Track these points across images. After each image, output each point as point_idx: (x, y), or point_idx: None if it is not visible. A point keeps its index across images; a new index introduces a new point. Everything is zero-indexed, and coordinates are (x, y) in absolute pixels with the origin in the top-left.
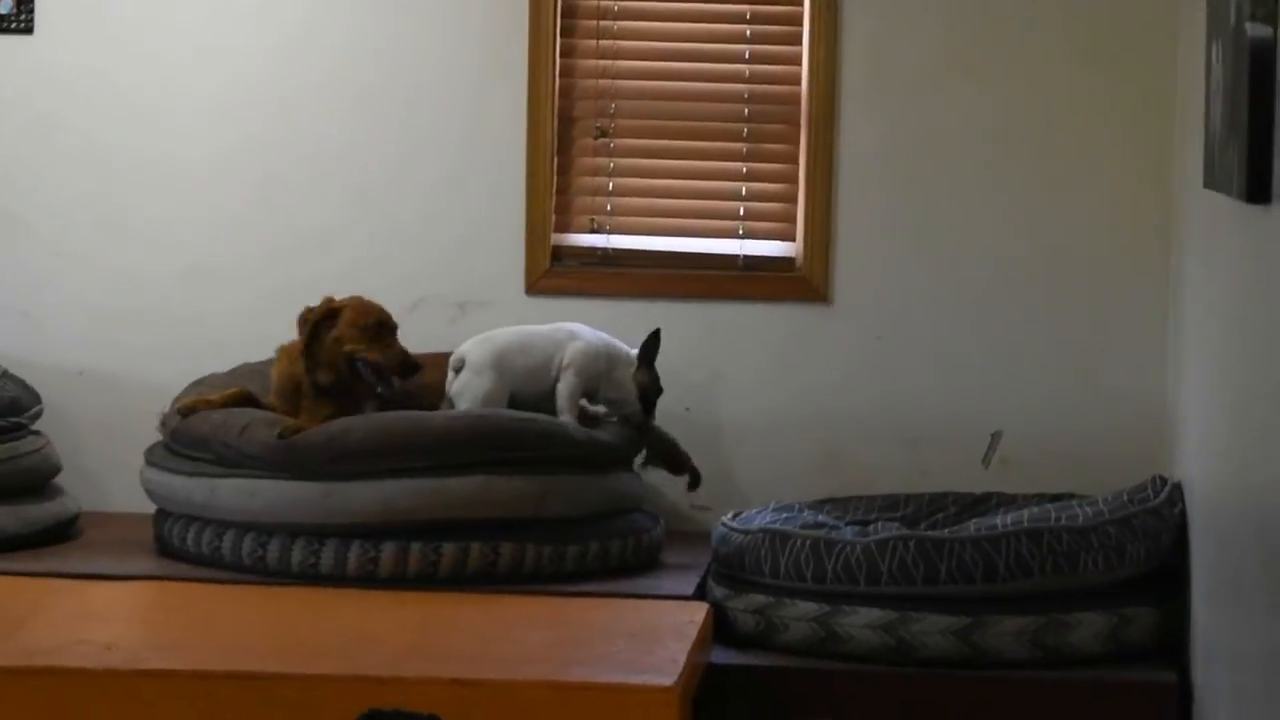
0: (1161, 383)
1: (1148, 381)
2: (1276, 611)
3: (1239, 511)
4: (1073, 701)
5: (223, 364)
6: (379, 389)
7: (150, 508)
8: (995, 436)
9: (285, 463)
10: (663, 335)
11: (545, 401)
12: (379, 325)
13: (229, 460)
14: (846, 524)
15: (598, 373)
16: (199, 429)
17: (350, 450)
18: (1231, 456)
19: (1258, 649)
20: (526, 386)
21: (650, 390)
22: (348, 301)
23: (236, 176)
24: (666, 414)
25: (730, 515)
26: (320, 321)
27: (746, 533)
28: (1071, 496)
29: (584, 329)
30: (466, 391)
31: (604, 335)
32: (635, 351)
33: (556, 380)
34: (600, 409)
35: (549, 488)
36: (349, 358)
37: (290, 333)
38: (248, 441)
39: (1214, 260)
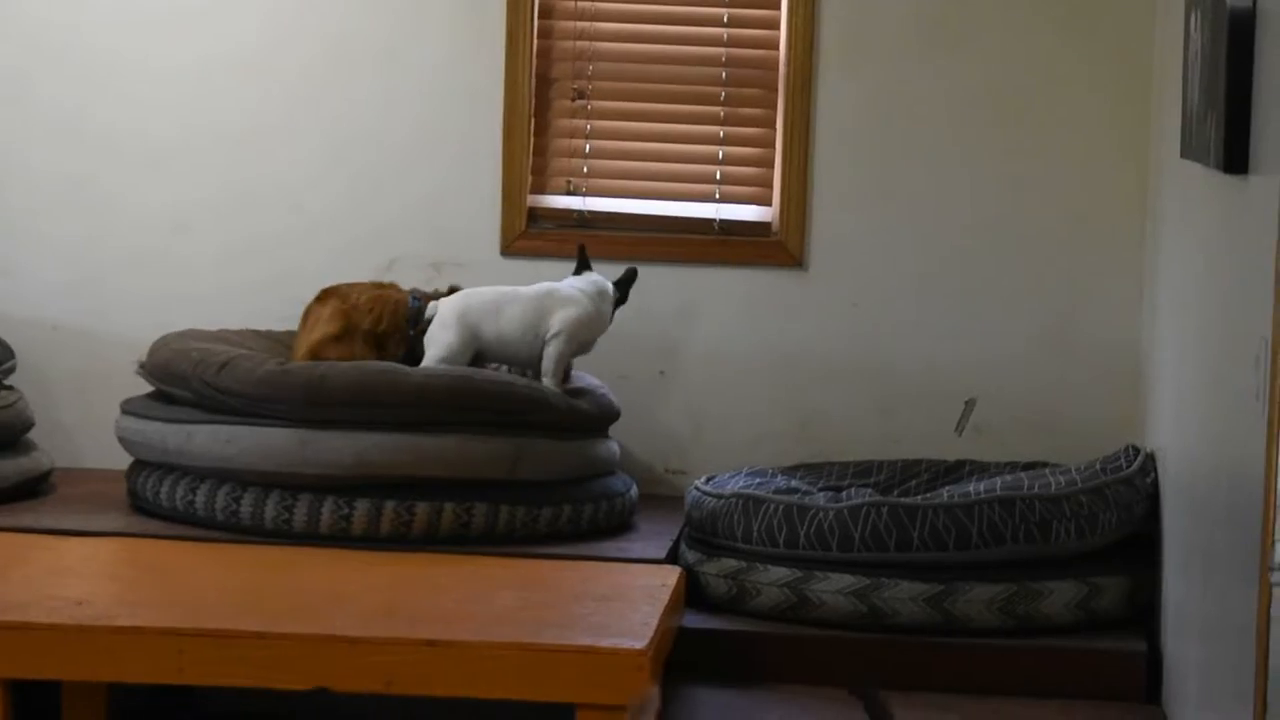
0: (1136, 353)
1: (1122, 351)
2: (1247, 581)
3: (1211, 481)
4: (1043, 669)
5: (197, 319)
6: None
7: (123, 464)
8: (969, 404)
9: (264, 398)
10: (635, 299)
11: (533, 364)
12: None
13: (206, 399)
14: (820, 489)
15: (589, 340)
16: (178, 365)
17: (328, 395)
18: (1204, 426)
19: (1228, 619)
20: (503, 349)
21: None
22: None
23: (211, 133)
24: (641, 377)
25: (703, 479)
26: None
27: (720, 497)
28: (1044, 465)
29: (572, 291)
30: (430, 345)
31: (589, 286)
32: (612, 284)
33: (544, 344)
34: None
35: (524, 450)
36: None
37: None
38: (228, 377)
39: (1190, 230)
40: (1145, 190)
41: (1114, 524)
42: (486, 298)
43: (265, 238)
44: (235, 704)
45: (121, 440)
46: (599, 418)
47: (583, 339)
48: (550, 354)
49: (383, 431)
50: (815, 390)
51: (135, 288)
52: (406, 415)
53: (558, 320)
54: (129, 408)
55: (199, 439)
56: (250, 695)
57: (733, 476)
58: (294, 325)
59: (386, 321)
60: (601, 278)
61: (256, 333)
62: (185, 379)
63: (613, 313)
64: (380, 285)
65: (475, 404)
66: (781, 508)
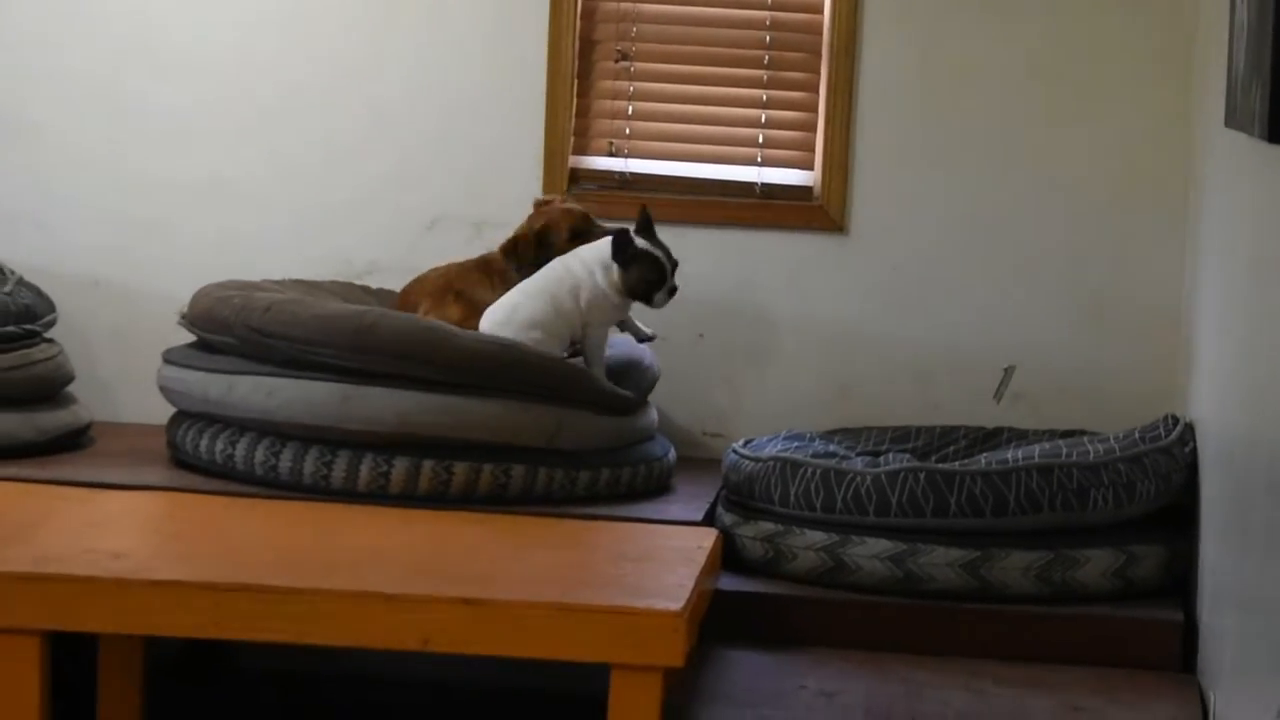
0: (1176, 322)
1: (1163, 320)
2: None
3: (1250, 452)
4: (1079, 637)
5: (237, 275)
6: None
7: (162, 418)
8: (1008, 371)
9: (310, 342)
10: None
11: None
12: (580, 230)
13: (250, 345)
14: (857, 454)
15: (615, 318)
16: (221, 312)
17: (376, 343)
18: (1244, 397)
19: (1265, 589)
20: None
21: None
22: (555, 215)
23: (254, 90)
24: (680, 340)
25: (741, 442)
26: (540, 246)
27: (757, 460)
28: (1083, 433)
29: (579, 269)
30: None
31: (592, 261)
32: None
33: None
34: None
35: (565, 421)
36: None
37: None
38: (273, 320)
39: (1233, 200)
40: (1189, 159)
41: (1152, 493)
42: (503, 306)
43: (304, 196)
44: (271, 660)
45: (163, 389)
46: (640, 399)
47: (611, 319)
48: (593, 344)
49: (426, 391)
50: (855, 355)
51: (174, 243)
52: (451, 376)
53: (585, 306)
54: (171, 357)
55: (240, 390)
56: (286, 651)
57: (770, 440)
58: (337, 275)
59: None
60: (602, 250)
61: (299, 282)
62: (228, 325)
63: (629, 276)
64: (479, 260)
65: (520, 375)
66: (819, 471)
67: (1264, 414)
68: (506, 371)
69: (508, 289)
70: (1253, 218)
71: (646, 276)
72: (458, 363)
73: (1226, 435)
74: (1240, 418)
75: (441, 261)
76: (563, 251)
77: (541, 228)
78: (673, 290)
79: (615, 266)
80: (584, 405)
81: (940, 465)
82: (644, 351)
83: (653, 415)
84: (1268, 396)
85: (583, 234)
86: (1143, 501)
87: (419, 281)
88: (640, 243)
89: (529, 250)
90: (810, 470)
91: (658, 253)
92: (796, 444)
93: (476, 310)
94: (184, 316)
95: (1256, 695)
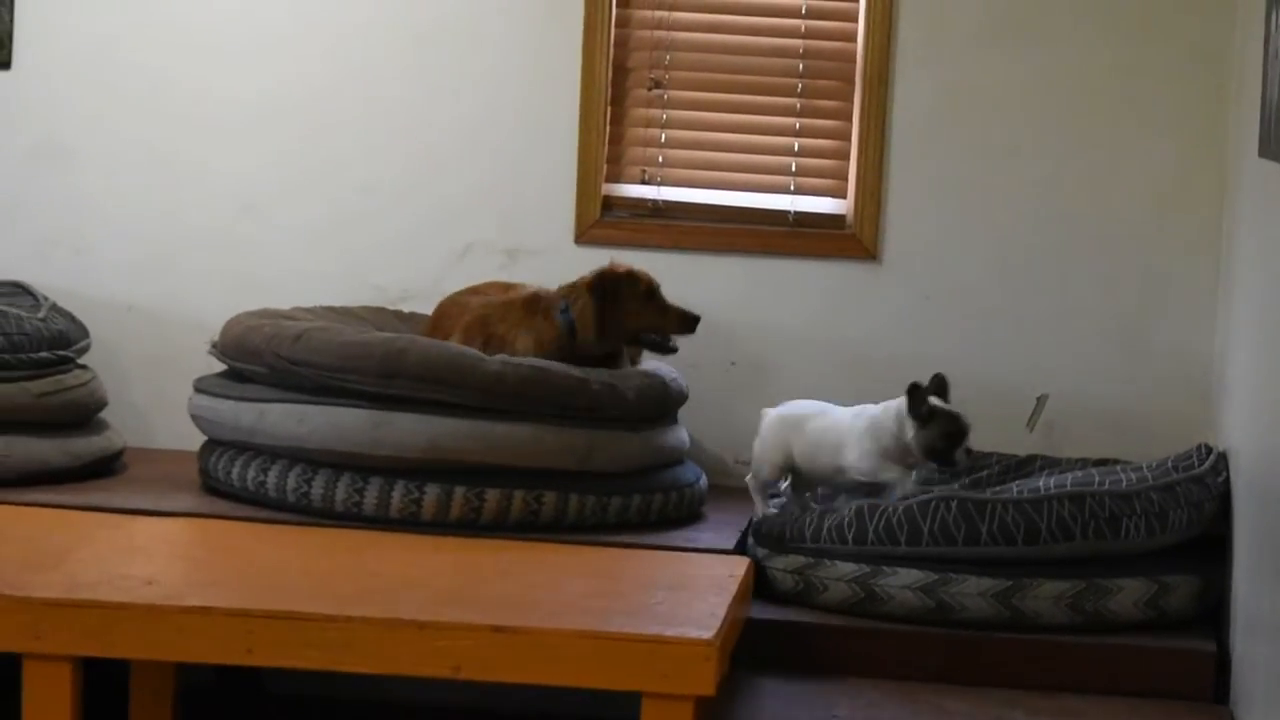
0: (1210, 351)
1: (1196, 349)
2: None
3: None
4: (1110, 666)
5: (269, 300)
6: (666, 348)
7: (195, 446)
8: (1041, 400)
9: (340, 369)
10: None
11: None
12: (649, 290)
13: (280, 373)
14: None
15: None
16: (251, 340)
17: (405, 369)
18: (1278, 427)
19: None
20: (808, 465)
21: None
22: (621, 275)
23: (288, 116)
24: (713, 368)
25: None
26: (602, 295)
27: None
28: (1116, 462)
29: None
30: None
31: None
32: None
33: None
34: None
35: (595, 442)
36: (631, 330)
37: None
38: (303, 348)
39: (1267, 230)
40: (1222, 189)
41: (1184, 522)
42: (799, 411)
43: (339, 222)
44: (303, 686)
45: (194, 418)
46: (671, 402)
47: (876, 473)
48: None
49: (455, 417)
50: (887, 383)
51: (207, 269)
52: (480, 400)
53: (849, 458)
54: (202, 386)
55: (271, 417)
56: (317, 677)
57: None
58: (371, 303)
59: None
60: (897, 409)
61: (330, 309)
62: (259, 353)
63: (919, 443)
64: (521, 300)
65: (549, 396)
66: (853, 507)
67: None
68: (535, 394)
69: (548, 330)
70: None
71: (946, 430)
72: (487, 387)
73: (1260, 465)
74: (1274, 448)
75: None
76: (629, 309)
77: (614, 277)
78: (970, 451)
79: (910, 422)
80: (615, 422)
81: (972, 493)
82: (669, 370)
83: (683, 436)
84: None
85: (653, 297)
86: (1175, 530)
87: (455, 305)
88: (936, 401)
89: (587, 294)
90: (846, 507)
91: (956, 411)
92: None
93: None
94: (214, 345)
95: None
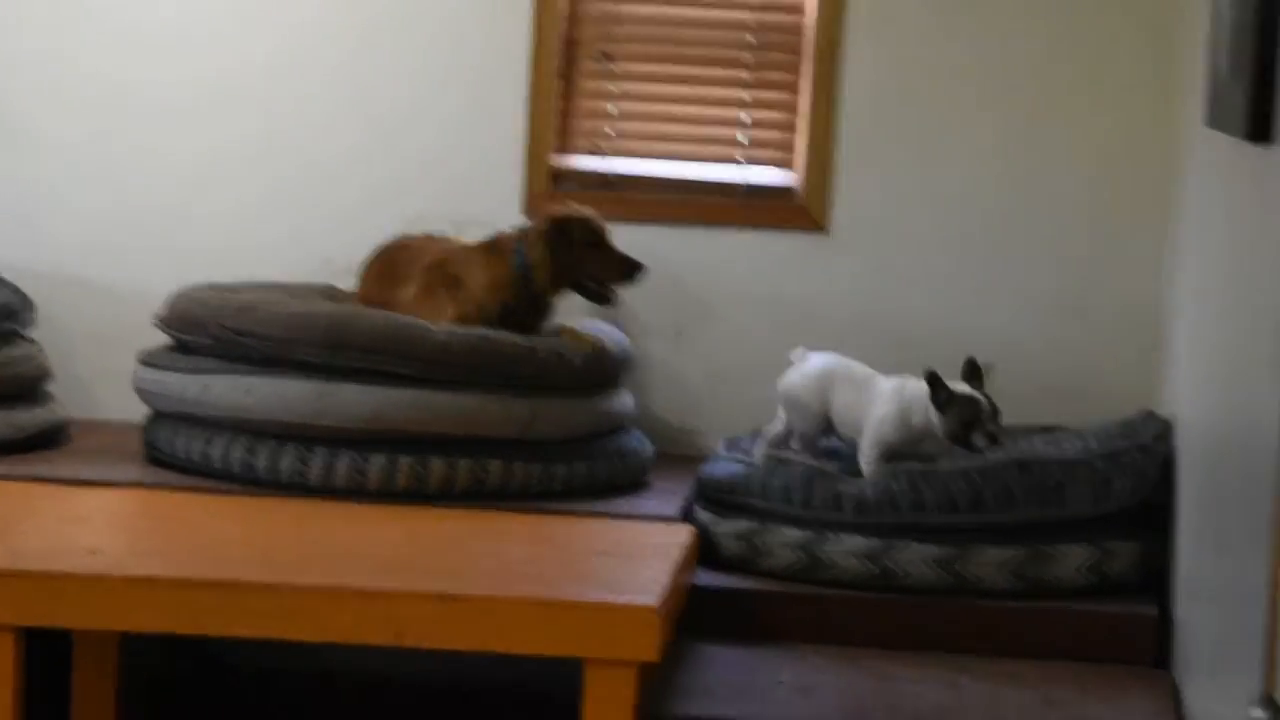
0: (1155, 320)
1: (1141, 318)
2: (1259, 548)
3: (1226, 449)
4: (1054, 632)
5: (216, 274)
6: (604, 298)
7: (140, 416)
8: (987, 368)
9: (285, 340)
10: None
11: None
12: (599, 235)
13: (225, 344)
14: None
15: (897, 441)
16: (196, 313)
17: (350, 340)
18: (1221, 394)
19: (1239, 585)
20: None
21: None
22: (574, 219)
23: (236, 91)
24: (660, 337)
25: (722, 445)
26: (557, 237)
27: (746, 462)
28: (1060, 429)
29: (889, 390)
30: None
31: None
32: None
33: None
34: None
35: (540, 410)
36: (575, 276)
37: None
38: (248, 319)
39: (1213, 199)
40: (1169, 158)
41: (1128, 489)
42: (839, 369)
43: (287, 194)
44: (248, 657)
45: (139, 391)
46: (616, 368)
47: (890, 440)
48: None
49: (400, 387)
50: (834, 353)
51: (153, 244)
52: (425, 370)
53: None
54: (147, 359)
55: (216, 389)
56: (263, 648)
57: (752, 439)
58: (314, 278)
59: (503, 306)
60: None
61: (278, 285)
62: (204, 326)
63: (941, 428)
64: (479, 246)
65: (495, 365)
66: (803, 469)
67: (1240, 411)
68: (480, 362)
69: (504, 272)
70: (1232, 217)
71: (963, 417)
72: (431, 356)
73: (1203, 432)
74: (1217, 415)
75: None
76: (579, 255)
77: (566, 221)
78: (992, 436)
79: (932, 408)
80: (560, 391)
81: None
82: (616, 336)
83: (628, 402)
84: (1244, 393)
85: (602, 243)
86: (1119, 498)
87: (406, 250)
88: (958, 386)
89: (540, 239)
90: (795, 468)
91: (977, 395)
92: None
93: (472, 299)
94: (160, 319)
95: (1230, 690)
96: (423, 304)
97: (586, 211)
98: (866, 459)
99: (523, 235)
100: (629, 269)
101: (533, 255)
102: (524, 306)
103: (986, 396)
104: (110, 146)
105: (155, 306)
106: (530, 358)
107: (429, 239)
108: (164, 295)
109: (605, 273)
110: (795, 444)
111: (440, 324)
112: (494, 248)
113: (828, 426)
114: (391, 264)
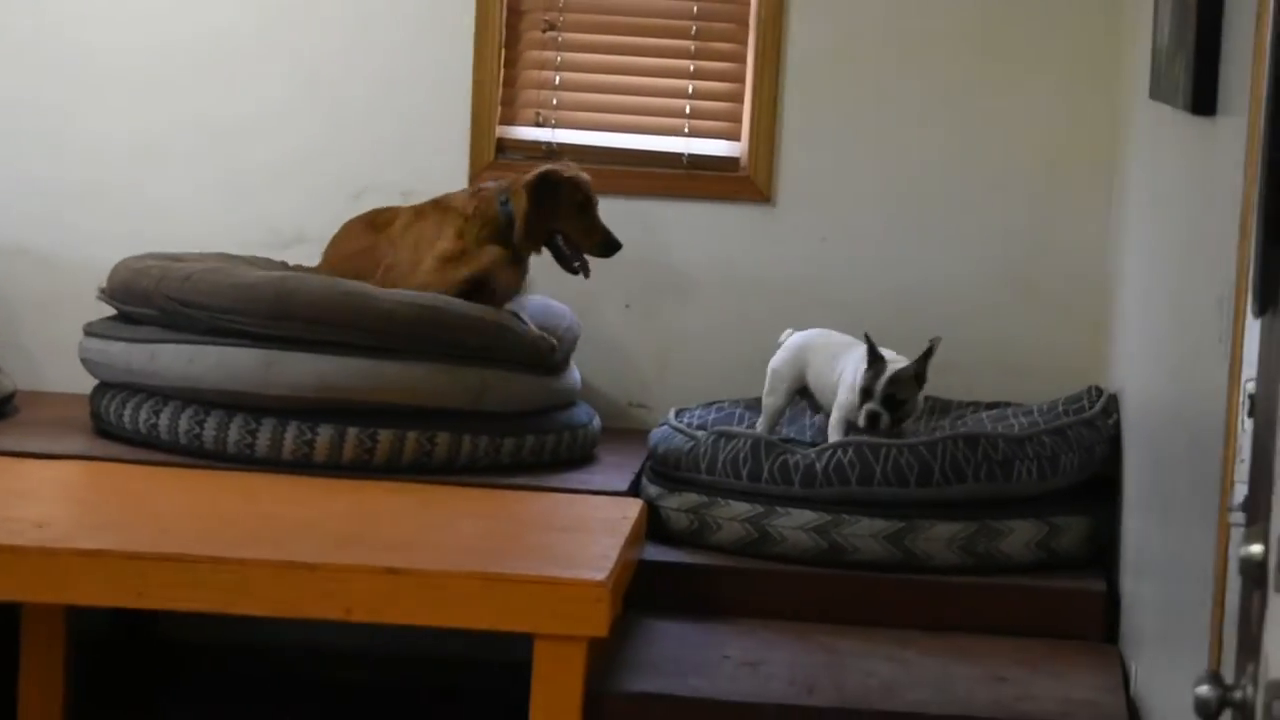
0: (1101, 294)
1: (1087, 292)
2: (1205, 522)
3: (1172, 423)
4: (1002, 607)
5: (164, 245)
6: (575, 267)
7: (86, 388)
8: (933, 343)
9: (229, 310)
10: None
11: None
12: (587, 200)
13: (170, 314)
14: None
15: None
16: (139, 284)
17: (294, 310)
18: (1167, 368)
19: (1185, 560)
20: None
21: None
22: (564, 178)
23: (181, 59)
24: (607, 311)
25: (672, 413)
26: (544, 190)
27: (688, 433)
28: (1007, 404)
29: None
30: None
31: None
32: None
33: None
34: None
35: (489, 382)
36: (551, 233)
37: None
38: (192, 289)
39: (1158, 172)
40: (1114, 131)
41: (1075, 465)
42: (816, 340)
43: (232, 164)
44: (195, 631)
45: (85, 362)
46: (566, 352)
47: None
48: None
49: (348, 355)
50: (781, 325)
51: (98, 214)
52: (372, 339)
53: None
54: (92, 329)
55: (163, 358)
56: (210, 622)
57: (700, 410)
58: (263, 251)
59: (488, 230)
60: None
61: (222, 255)
62: (148, 296)
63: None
64: (469, 190)
65: (442, 334)
66: (749, 442)
67: (1186, 386)
68: (428, 332)
69: (491, 217)
70: (1176, 189)
71: (863, 385)
72: (377, 325)
73: (1149, 407)
74: (1163, 390)
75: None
76: (559, 213)
77: (555, 178)
78: (873, 417)
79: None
80: (509, 363)
81: (866, 436)
82: (564, 312)
83: (576, 377)
84: (1190, 368)
85: (587, 209)
86: (1066, 473)
87: (390, 209)
88: (893, 359)
89: (525, 192)
90: (741, 441)
91: (891, 370)
92: (723, 415)
93: (463, 233)
94: (103, 290)
95: (1177, 664)
96: (412, 228)
97: (580, 173)
98: (833, 425)
99: (509, 185)
100: (607, 243)
101: (516, 205)
102: (506, 249)
103: (913, 377)
104: (57, 118)
105: (100, 277)
106: (479, 327)
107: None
108: (109, 266)
109: (582, 238)
110: (760, 423)
111: (424, 262)
112: (480, 193)
113: (814, 404)
114: (374, 217)
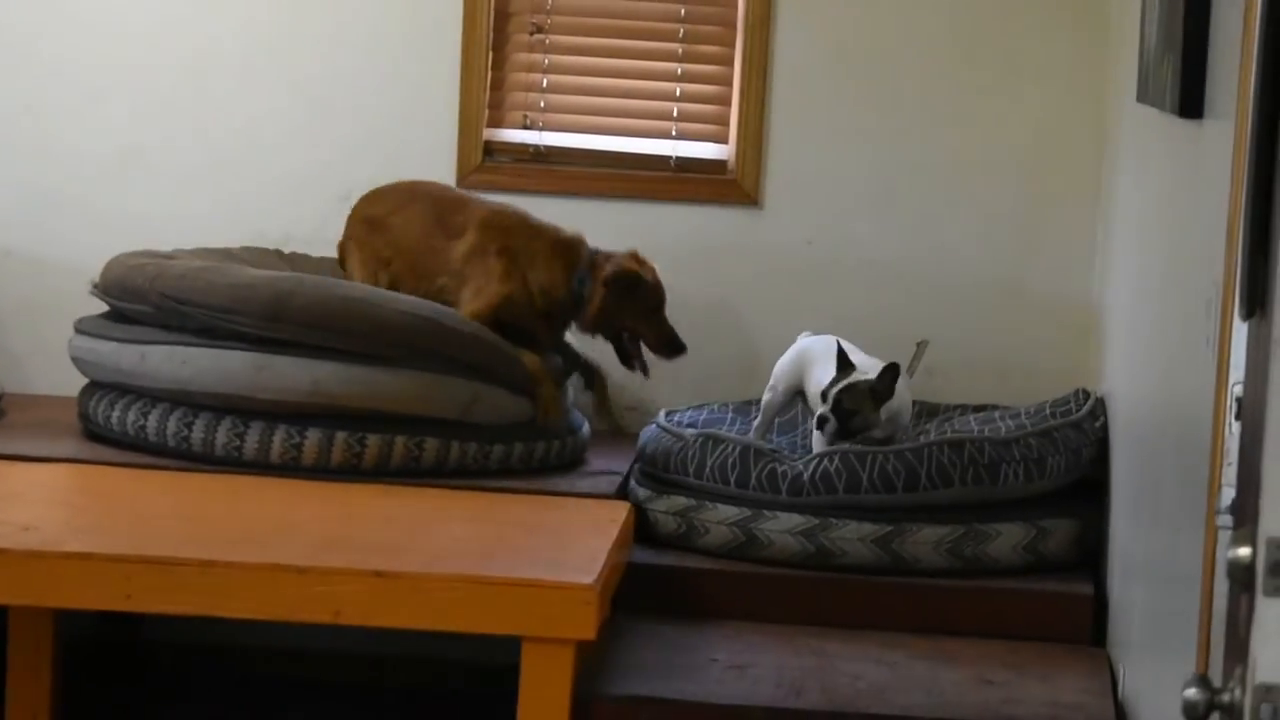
0: (1088, 297)
1: (1075, 295)
2: (1193, 526)
3: (1160, 426)
4: (989, 611)
5: (149, 247)
6: (635, 365)
7: (74, 390)
8: (921, 345)
9: (226, 310)
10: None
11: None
12: (660, 304)
13: (165, 312)
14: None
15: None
16: (134, 280)
17: (291, 314)
18: (1155, 371)
19: (1173, 563)
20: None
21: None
22: (647, 275)
23: (170, 60)
24: None
25: (663, 415)
26: (622, 290)
27: (677, 435)
28: (994, 408)
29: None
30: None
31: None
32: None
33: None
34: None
35: (480, 394)
36: (619, 329)
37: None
38: (188, 287)
39: (1144, 174)
40: (1101, 134)
41: (1063, 468)
42: (818, 347)
43: (219, 166)
44: (183, 633)
45: (75, 360)
46: (564, 376)
47: None
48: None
49: (340, 362)
50: (769, 328)
51: (85, 213)
52: (368, 347)
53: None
54: (83, 327)
55: (153, 359)
56: (198, 624)
57: (691, 412)
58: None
59: (548, 301)
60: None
61: (213, 250)
62: (142, 293)
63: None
64: (553, 238)
65: (439, 347)
66: (737, 448)
67: (1173, 388)
68: (424, 343)
69: (562, 287)
70: (1164, 191)
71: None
72: (374, 333)
73: (1137, 410)
74: (1150, 392)
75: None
76: (631, 314)
77: (634, 280)
78: (821, 419)
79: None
80: (501, 382)
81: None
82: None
83: (567, 391)
84: (1177, 371)
85: (658, 310)
86: (1053, 476)
87: (447, 197)
88: (864, 367)
89: (602, 286)
90: (730, 446)
91: (853, 380)
92: (713, 418)
93: (523, 286)
94: (95, 286)
95: (1164, 668)
96: (475, 264)
97: (656, 276)
98: (815, 435)
99: (592, 264)
100: (672, 346)
101: (592, 294)
102: (555, 324)
103: (868, 391)
104: (41, 117)
105: (88, 278)
106: (475, 343)
107: (449, 188)
108: (96, 267)
109: (649, 338)
110: (758, 420)
111: (469, 301)
112: (564, 250)
113: (810, 410)
114: (441, 212)
